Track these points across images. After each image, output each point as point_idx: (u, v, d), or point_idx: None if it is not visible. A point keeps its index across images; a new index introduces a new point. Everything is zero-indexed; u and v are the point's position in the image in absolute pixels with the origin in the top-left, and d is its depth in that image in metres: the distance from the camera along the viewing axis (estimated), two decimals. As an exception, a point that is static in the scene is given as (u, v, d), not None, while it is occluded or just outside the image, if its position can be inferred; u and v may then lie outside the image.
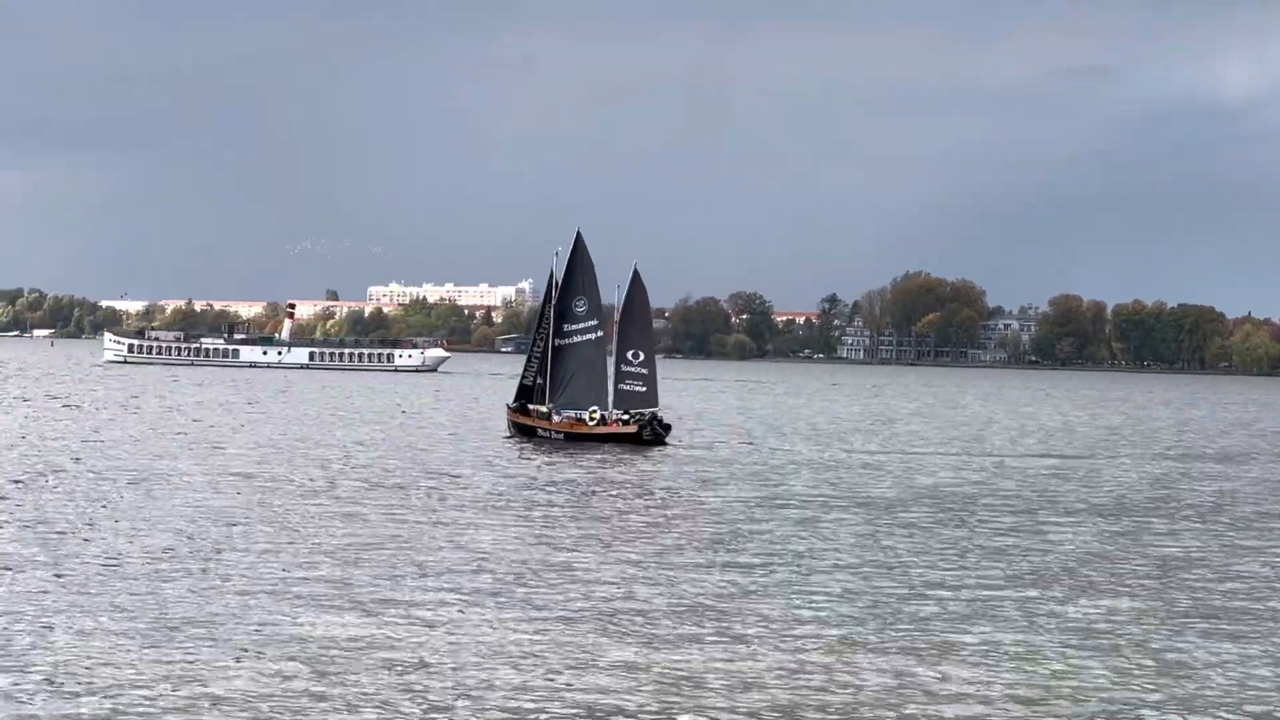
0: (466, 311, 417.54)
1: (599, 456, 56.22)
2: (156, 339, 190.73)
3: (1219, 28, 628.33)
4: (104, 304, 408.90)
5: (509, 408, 68.72)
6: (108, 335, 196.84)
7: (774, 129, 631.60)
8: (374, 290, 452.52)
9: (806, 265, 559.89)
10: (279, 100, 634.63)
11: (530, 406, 65.63)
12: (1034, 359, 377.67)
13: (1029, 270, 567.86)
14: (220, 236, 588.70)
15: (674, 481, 47.96)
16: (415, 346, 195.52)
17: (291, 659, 20.94)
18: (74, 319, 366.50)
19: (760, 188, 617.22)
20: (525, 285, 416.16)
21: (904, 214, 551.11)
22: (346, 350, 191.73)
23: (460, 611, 24.60)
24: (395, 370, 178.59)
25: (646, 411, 63.24)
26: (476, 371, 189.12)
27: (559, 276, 65.13)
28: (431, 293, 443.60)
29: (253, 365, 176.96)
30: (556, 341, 64.58)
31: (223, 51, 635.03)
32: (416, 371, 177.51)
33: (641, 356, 64.02)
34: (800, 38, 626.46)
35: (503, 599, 25.88)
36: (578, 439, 62.04)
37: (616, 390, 63.66)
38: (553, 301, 65.19)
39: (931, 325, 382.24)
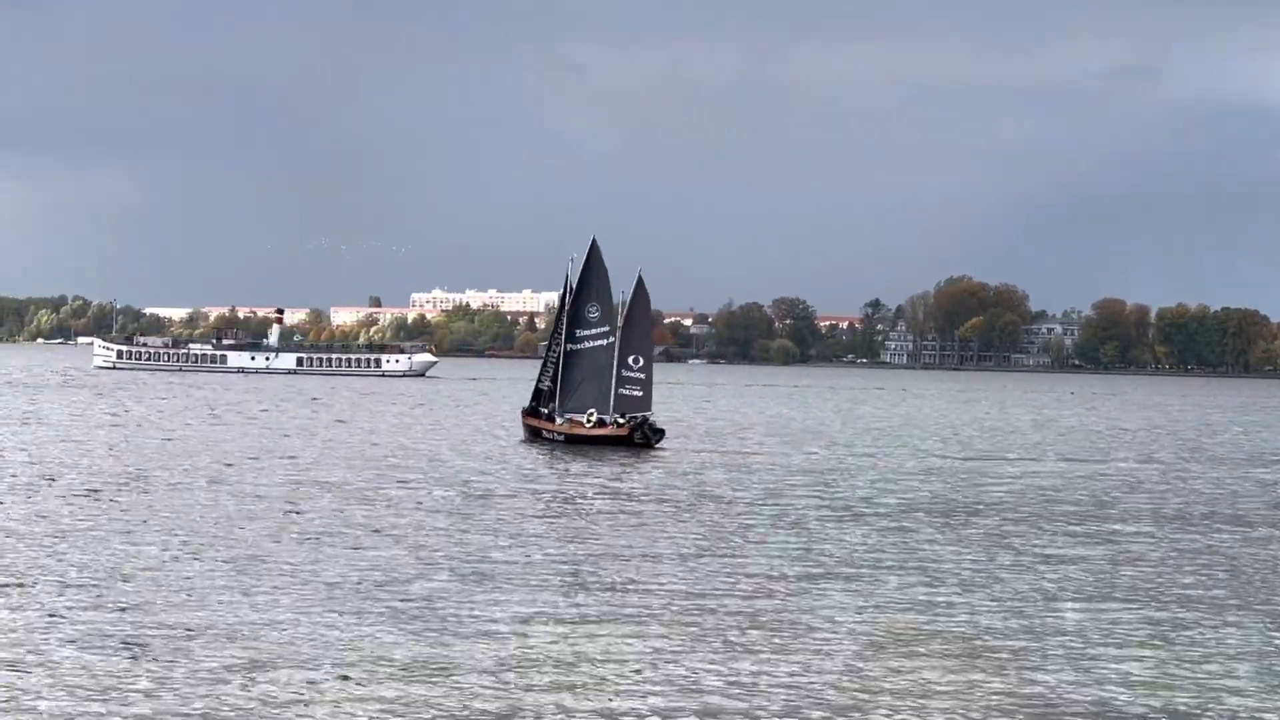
0: (510, 317, 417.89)
1: (613, 459, 57.30)
2: (145, 344, 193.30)
3: (1264, 28, 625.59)
4: (147, 311, 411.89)
5: (523, 411, 70.29)
6: (97, 342, 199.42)
7: (817, 133, 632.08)
8: (417, 296, 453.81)
9: (849, 270, 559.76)
10: (320, 107, 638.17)
11: (541, 410, 67.12)
12: (1077, 363, 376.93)
13: (1072, 274, 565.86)
14: (262, 242, 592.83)
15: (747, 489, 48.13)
16: (402, 351, 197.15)
17: (360, 674, 20.66)
18: (117, 326, 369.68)
19: (803, 192, 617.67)
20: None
21: (946, 218, 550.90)
22: (334, 355, 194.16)
23: (514, 620, 24.41)
24: (383, 375, 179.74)
25: (638, 415, 64.46)
26: (464, 376, 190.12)
27: (574, 283, 66.37)
28: (475, 298, 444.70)
29: (241, 371, 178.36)
30: (569, 347, 65.85)
31: (262, 58, 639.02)
32: (404, 376, 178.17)
33: (641, 361, 65.36)
34: (844, 41, 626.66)
35: (558, 603, 25.88)
36: (575, 440, 63.86)
37: (616, 394, 64.90)
38: (567, 307, 66.43)
39: (974, 330, 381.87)
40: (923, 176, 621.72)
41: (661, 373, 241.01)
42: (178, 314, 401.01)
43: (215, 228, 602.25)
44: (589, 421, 64.29)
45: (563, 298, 67.72)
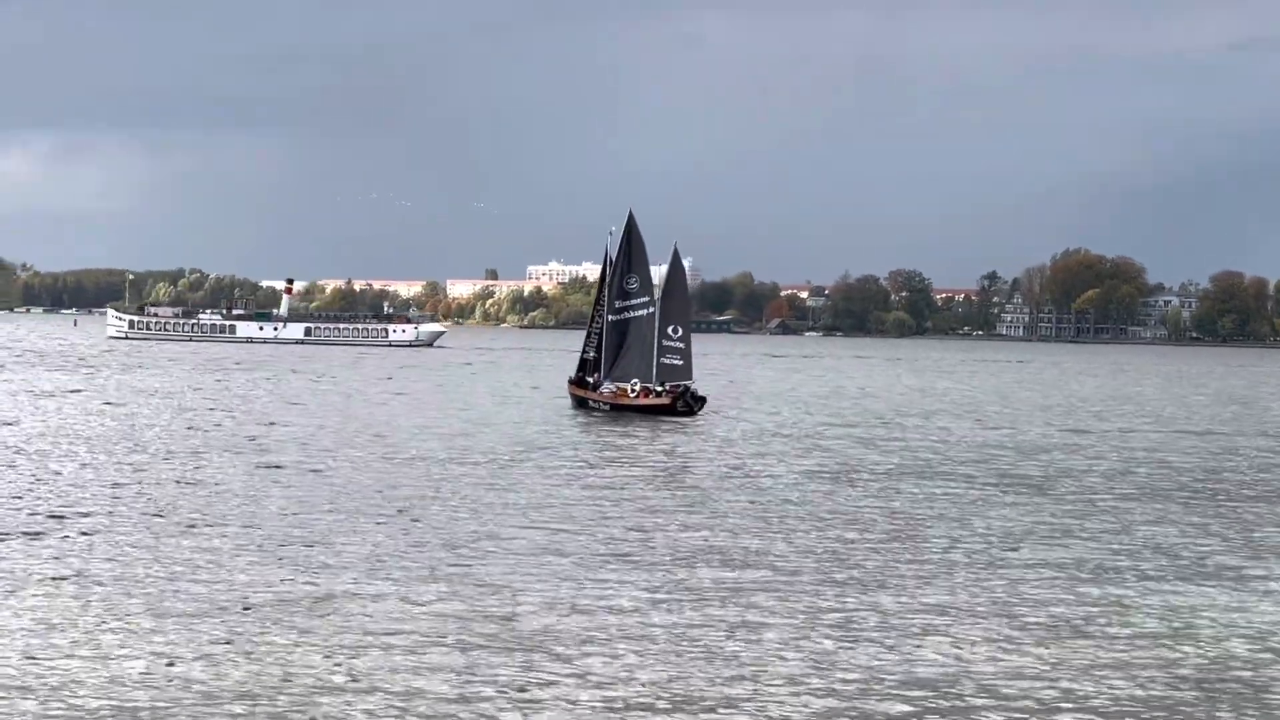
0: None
1: (668, 428, 58.66)
2: (155, 314, 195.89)
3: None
4: (264, 284, 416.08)
5: (570, 381, 72.07)
6: (111, 312, 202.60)
7: (936, 105, 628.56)
8: (533, 269, 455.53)
9: (966, 242, 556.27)
10: (442, 79, 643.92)
11: (587, 380, 68.97)
12: (1195, 336, 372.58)
13: (1190, 246, 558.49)
14: (381, 216, 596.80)
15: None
16: (409, 321, 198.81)
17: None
18: (235, 298, 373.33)
19: (921, 164, 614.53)
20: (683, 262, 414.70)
21: (1064, 190, 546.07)
22: (342, 325, 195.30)
23: (595, 593, 24.62)
24: (390, 345, 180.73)
25: (680, 384, 65.84)
26: (471, 346, 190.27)
27: (613, 255, 67.73)
28: (591, 271, 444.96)
29: (249, 340, 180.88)
30: (611, 317, 67.23)
31: (380, 32, 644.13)
32: (411, 346, 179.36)
33: (680, 331, 66.80)
34: (963, 13, 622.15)
35: (638, 577, 26.20)
36: (621, 409, 65.33)
37: (658, 364, 66.12)
38: (608, 280, 67.74)
39: (1091, 302, 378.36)
40: (1041, 148, 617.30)
41: (771, 345, 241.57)
42: (294, 287, 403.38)
43: (332, 201, 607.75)
44: (633, 391, 65.64)
45: (603, 270, 69.19)
